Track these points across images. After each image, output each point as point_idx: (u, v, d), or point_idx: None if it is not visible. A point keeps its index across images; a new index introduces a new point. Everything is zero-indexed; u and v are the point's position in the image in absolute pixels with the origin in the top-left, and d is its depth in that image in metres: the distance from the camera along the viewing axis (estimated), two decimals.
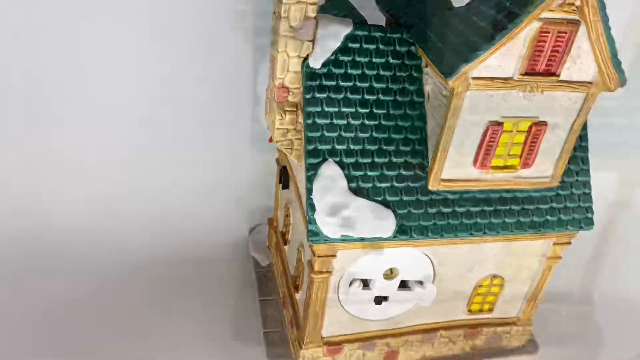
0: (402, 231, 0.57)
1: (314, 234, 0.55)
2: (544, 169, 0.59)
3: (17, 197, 0.88)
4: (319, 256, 0.58)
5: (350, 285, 0.61)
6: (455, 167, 0.57)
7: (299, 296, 0.68)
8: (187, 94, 0.85)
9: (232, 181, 0.89)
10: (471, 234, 0.59)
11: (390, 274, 0.62)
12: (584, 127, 0.60)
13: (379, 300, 0.64)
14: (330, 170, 0.56)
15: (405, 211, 0.57)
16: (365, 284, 0.63)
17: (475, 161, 0.57)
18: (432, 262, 0.63)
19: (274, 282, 0.78)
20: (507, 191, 0.60)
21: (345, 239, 0.56)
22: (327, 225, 0.55)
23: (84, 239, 0.86)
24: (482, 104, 0.53)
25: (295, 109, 0.58)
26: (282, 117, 0.58)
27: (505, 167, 0.58)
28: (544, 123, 0.56)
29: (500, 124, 0.55)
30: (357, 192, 0.56)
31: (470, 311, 0.70)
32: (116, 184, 0.89)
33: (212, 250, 0.85)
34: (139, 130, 0.87)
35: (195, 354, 0.72)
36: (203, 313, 0.76)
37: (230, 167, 0.90)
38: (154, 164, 0.89)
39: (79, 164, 0.88)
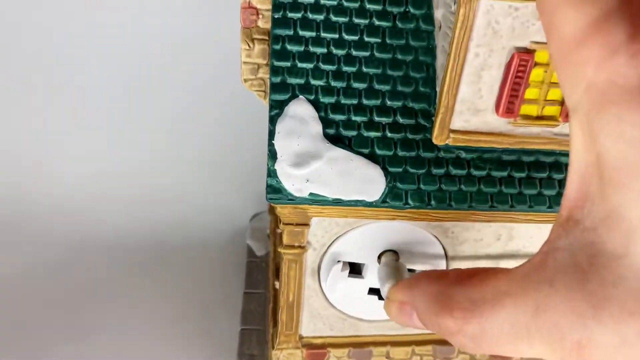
0: (395, 195, 0.43)
1: (274, 190, 0.42)
2: None
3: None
4: (287, 224, 0.45)
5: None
6: (470, 112, 0.43)
7: (278, 284, 0.54)
8: (191, 79, 0.79)
9: (239, 164, 0.79)
10: (493, 206, 0.44)
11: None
12: None
13: (373, 292, 0.50)
14: (300, 110, 0.43)
15: (400, 170, 0.43)
16: (356, 270, 0.49)
17: (498, 105, 0.42)
18: (443, 246, 0.48)
19: (266, 273, 0.65)
20: (546, 153, 0.45)
21: (315, 200, 0.42)
22: (291, 180, 0.42)
23: (80, 219, 0.80)
24: (504, 22, 0.39)
25: (267, 38, 0.46)
26: (249, 47, 0.46)
27: (542, 119, 0.43)
28: None
29: (530, 52, 0.40)
30: (335, 140, 0.43)
31: None
32: (119, 164, 0.82)
33: (209, 235, 0.75)
34: (143, 111, 0.81)
35: (163, 345, 0.61)
36: (181, 301, 0.66)
37: (237, 148, 0.80)
38: (157, 144, 0.82)
39: (81, 143, 0.82)
